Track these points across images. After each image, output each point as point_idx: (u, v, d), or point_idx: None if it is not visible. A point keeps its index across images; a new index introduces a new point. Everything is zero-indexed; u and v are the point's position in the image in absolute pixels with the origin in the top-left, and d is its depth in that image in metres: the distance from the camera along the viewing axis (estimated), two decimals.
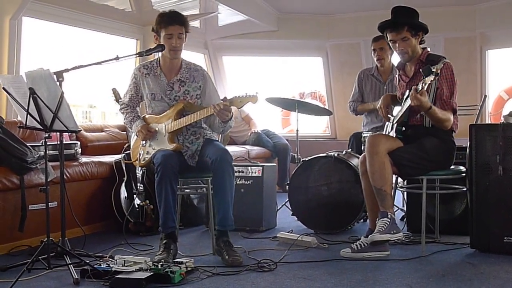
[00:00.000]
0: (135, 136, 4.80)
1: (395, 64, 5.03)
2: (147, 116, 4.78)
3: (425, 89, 4.15)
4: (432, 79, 4.08)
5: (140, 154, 4.75)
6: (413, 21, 4.54)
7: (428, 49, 4.64)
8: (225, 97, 4.40)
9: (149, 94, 4.71)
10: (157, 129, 4.66)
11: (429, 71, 4.08)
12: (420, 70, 4.30)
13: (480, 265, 4.12)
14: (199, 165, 4.66)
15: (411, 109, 4.49)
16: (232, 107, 4.37)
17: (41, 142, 4.85)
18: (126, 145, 5.60)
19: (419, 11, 4.59)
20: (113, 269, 3.80)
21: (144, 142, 4.72)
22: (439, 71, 4.10)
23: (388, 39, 4.62)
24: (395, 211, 4.59)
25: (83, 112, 11.71)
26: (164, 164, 4.34)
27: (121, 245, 4.84)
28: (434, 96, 4.41)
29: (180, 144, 4.61)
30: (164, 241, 4.37)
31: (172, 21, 4.53)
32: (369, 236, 4.37)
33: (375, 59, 6.26)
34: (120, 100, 5.00)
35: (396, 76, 4.89)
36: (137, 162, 4.81)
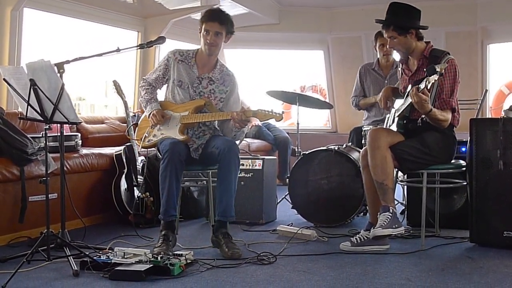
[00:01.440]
0: (147, 117, 4.77)
1: (396, 59, 5.02)
2: (165, 102, 4.77)
3: (428, 87, 4.14)
4: (436, 78, 4.07)
5: (145, 135, 4.72)
6: (398, 21, 4.53)
7: (432, 44, 4.62)
8: (245, 109, 4.44)
9: (177, 80, 4.70)
10: (171, 116, 4.65)
11: (433, 70, 4.06)
12: (424, 69, 4.28)
13: (479, 259, 4.13)
14: (201, 158, 4.66)
15: (412, 106, 4.47)
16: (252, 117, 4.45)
17: (41, 133, 4.85)
18: (133, 123, 5.59)
19: (420, 5, 4.57)
20: (112, 261, 3.80)
21: (153, 124, 4.70)
22: (443, 71, 4.08)
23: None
24: (396, 204, 4.59)
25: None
26: (172, 151, 4.33)
27: (121, 237, 4.84)
28: (435, 95, 4.40)
29: (189, 136, 4.60)
30: (163, 232, 4.36)
31: (212, 17, 4.56)
32: (371, 231, 4.36)
33: (380, 54, 6.25)
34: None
35: (399, 69, 4.88)
36: (139, 141, 4.78)
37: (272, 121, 9.00)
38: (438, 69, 4.03)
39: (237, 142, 4.74)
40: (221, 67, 4.76)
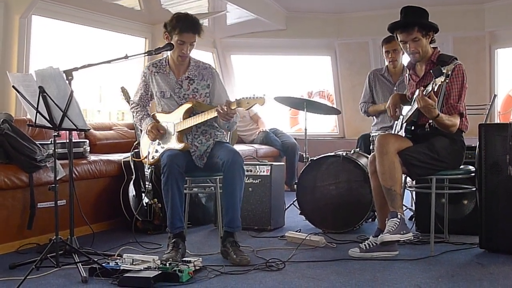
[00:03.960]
0: (145, 134, 4.79)
1: (405, 64, 5.00)
2: (156, 114, 4.78)
3: (435, 89, 4.13)
4: (443, 80, 4.05)
5: (149, 152, 4.76)
6: (423, 21, 4.51)
7: (439, 49, 4.61)
8: (228, 101, 4.40)
9: (158, 92, 4.71)
10: (166, 127, 4.66)
11: (440, 72, 4.05)
12: (431, 71, 4.27)
13: (489, 265, 4.11)
14: (207, 166, 4.65)
15: (419, 110, 4.47)
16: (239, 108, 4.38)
17: (50, 140, 4.86)
18: (136, 143, 5.61)
19: (428, 11, 4.57)
20: (121, 268, 3.80)
21: (152, 140, 4.72)
22: (449, 72, 4.06)
23: (399, 39, 4.59)
24: (404, 210, 4.58)
25: None
26: (170, 164, 4.35)
27: (129, 244, 4.84)
28: (443, 99, 4.39)
29: (188, 143, 4.60)
30: (172, 240, 4.38)
31: (188, 29, 4.48)
32: (379, 237, 4.35)
33: (387, 61, 6.23)
34: (130, 100, 5.00)
35: (407, 75, 4.87)
36: (146, 160, 4.82)
37: (277, 126, 9.11)
38: (444, 71, 4.02)
39: (232, 130, 4.80)
40: (196, 63, 4.73)
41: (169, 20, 4.55)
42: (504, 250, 4.38)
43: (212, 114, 4.46)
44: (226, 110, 4.31)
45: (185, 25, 4.48)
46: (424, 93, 4.20)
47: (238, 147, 4.97)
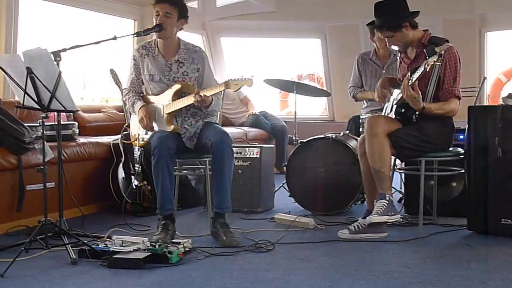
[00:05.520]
0: (134, 116, 4.77)
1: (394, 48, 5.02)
2: (147, 96, 4.75)
3: (427, 69, 4.15)
4: (435, 60, 4.08)
5: (139, 134, 4.74)
6: (388, 20, 4.53)
7: (430, 32, 4.60)
8: (199, 89, 4.41)
9: (148, 75, 4.68)
10: (155, 108, 4.64)
11: (433, 51, 4.08)
12: (424, 50, 4.30)
13: (477, 246, 4.14)
14: (197, 148, 4.65)
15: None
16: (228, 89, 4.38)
17: (38, 122, 4.83)
18: (125, 125, 5.59)
19: None
20: (110, 249, 3.80)
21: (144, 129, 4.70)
22: (442, 52, 4.10)
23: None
24: (393, 192, 4.60)
25: None
26: (160, 146, 4.34)
27: (119, 226, 4.84)
28: (435, 83, 4.39)
29: (178, 125, 4.59)
30: (162, 222, 4.38)
31: None
32: (367, 218, 4.37)
33: (382, 45, 6.17)
34: (122, 88, 4.96)
35: (398, 58, 4.87)
36: (136, 142, 4.81)
37: (267, 109, 9.10)
38: (437, 50, 4.05)
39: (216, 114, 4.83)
40: (186, 45, 4.70)
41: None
42: (492, 232, 4.41)
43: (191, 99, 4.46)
44: (198, 99, 4.32)
45: None
46: (409, 82, 4.22)
47: (228, 130, 4.95)
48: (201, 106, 4.43)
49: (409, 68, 4.57)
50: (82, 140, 5.57)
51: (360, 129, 5.77)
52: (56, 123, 4.30)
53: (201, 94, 4.33)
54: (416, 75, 4.26)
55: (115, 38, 4.35)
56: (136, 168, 5.56)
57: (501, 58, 9.59)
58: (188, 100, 4.45)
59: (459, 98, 4.46)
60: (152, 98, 4.71)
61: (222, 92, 4.62)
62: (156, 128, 4.62)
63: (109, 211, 5.58)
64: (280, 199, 6.03)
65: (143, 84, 4.78)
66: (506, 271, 3.52)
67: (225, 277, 3.48)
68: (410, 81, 4.24)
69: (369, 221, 4.31)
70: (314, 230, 4.79)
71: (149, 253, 3.73)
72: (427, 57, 4.16)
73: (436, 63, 4.15)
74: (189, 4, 4.79)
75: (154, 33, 4.55)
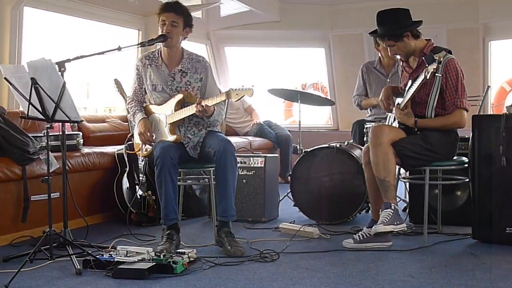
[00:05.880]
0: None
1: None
2: (149, 106, 4.76)
3: (427, 77, 4.18)
4: (435, 67, 4.11)
5: (142, 144, 4.75)
6: (390, 30, 4.54)
7: (433, 41, 4.61)
8: (200, 99, 4.43)
9: (150, 85, 4.69)
10: (158, 118, 4.65)
11: (432, 58, 4.14)
12: (423, 58, 4.33)
13: (482, 255, 4.13)
14: (201, 157, 4.65)
15: (414, 100, 4.49)
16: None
17: (43, 132, 4.84)
18: (129, 135, 5.60)
19: (421, 3, 4.61)
20: (115, 260, 3.80)
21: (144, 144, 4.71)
22: (441, 59, 4.14)
23: None
24: (398, 201, 4.59)
25: None
26: (163, 156, 4.34)
27: (124, 236, 4.84)
28: (436, 95, 4.40)
29: (180, 135, 4.60)
30: (167, 232, 4.38)
31: (168, 8, 4.52)
32: (372, 227, 4.36)
33: (386, 54, 6.18)
34: (126, 96, 4.98)
35: (400, 67, 4.88)
36: (139, 152, 4.82)
37: (271, 118, 9.10)
38: (436, 57, 4.08)
39: (218, 125, 4.79)
40: (189, 55, 4.71)
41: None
42: (497, 241, 4.40)
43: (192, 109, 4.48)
44: (200, 109, 4.35)
45: (166, 6, 4.55)
46: (399, 107, 4.47)
47: (232, 139, 4.97)
48: (203, 116, 4.44)
49: (410, 78, 4.58)
50: (86, 150, 5.58)
51: (365, 138, 5.77)
52: (61, 133, 4.30)
53: (203, 104, 4.35)
54: (415, 86, 4.34)
55: (119, 48, 4.37)
56: (141, 178, 5.57)
57: (505, 67, 9.59)
58: (190, 110, 4.46)
59: (465, 110, 4.45)
60: (154, 108, 4.72)
61: (226, 102, 4.62)
62: (158, 137, 4.62)
63: (114, 221, 5.59)
64: (284, 209, 6.02)
65: (146, 93, 4.79)
66: (511, 280, 3.51)
67: (229, 287, 3.47)
68: (399, 106, 4.39)
69: (375, 231, 4.29)
70: (319, 239, 4.78)
71: (154, 263, 3.73)
72: (427, 65, 4.19)
73: (437, 74, 4.19)
74: (193, 14, 4.79)
75: (160, 42, 4.56)
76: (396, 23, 4.52)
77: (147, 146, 4.71)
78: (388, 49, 4.65)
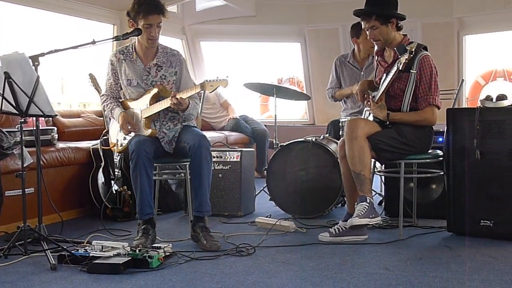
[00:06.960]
0: (114, 122, 4.75)
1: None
2: (126, 101, 4.73)
3: (400, 68, 4.23)
4: (407, 57, 4.14)
5: (117, 140, 4.72)
6: (380, 9, 4.54)
7: (409, 37, 4.63)
8: (175, 92, 4.42)
9: (125, 80, 4.65)
10: (133, 113, 4.63)
11: (404, 49, 4.17)
12: (395, 48, 4.36)
13: (457, 248, 4.16)
14: (176, 152, 4.64)
15: (388, 94, 4.51)
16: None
17: (17, 127, 4.80)
18: (104, 130, 5.57)
19: None
20: (90, 255, 3.78)
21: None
22: (413, 49, 4.17)
23: (362, 27, 4.67)
24: (373, 195, 4.61)
25: None
26: (138, 150, 4.33)
27: (99, 231, 4.82)
28: (411, 92, 4.43)
29: (155, 129, 4.58)
30: (142, 227, 4.37)
31: (152, 10, 4.39)
32: (348, 220, 4.38)
33: (367, 46, 6.18)
34: (101, 93, 4.92)
35: (375, 61, 4.90)
36: (115, 148, 4.79)
37: (247, 113, 9.10)
38: (408, 48, 4.11)
39: (193, 117, 4.77)
40: (164, 49, 4.68)
41: (130, 7, 4.46)
42: (471, 233, 4.43)
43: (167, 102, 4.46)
44: (175, 101, 4.33)
45: (148, 8, 4.39)
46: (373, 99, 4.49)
47: (208, 134, 4.97)
48: (178, 109, 4.42)
49: (385, 71, 4.59)
50: (61, 145, 5.53)
51: (340, 132, 5.78)
52: (35, 128, 4.27)
53: (178, 96, 4.33)
54: (389, 78, 4.37)
55: (93, 42, 4.34)
56: (116, 173, 5.54)
57: (480, 61, 9.67)
58: (165, 103, 4.44)
59: (437, 107, 4.49)
60: (130, 104, 4.69)
61: (202, 96, 4.60)
62: (133, 132, 4.60)
63: (89, 216, 5.56)
64: (260, 203, 6.03)
65: (121, 89, 4.76)
66: (485, 272, 3.55)
67: (206, 281, 3.47)
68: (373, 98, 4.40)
69: (351, 224, 4.31)
70: (295, 233, 4.79)
71: (129, 258, 3.71)
72: (399, 56, 4.21)
73: (412, 70, 4.22)
74: (169, 8, 4.76)
75: (134, 36, 4.52)
76: (387, 6, 4.54)
77: (122, 141, 4.67)
78: (368, 32, 4.61)
